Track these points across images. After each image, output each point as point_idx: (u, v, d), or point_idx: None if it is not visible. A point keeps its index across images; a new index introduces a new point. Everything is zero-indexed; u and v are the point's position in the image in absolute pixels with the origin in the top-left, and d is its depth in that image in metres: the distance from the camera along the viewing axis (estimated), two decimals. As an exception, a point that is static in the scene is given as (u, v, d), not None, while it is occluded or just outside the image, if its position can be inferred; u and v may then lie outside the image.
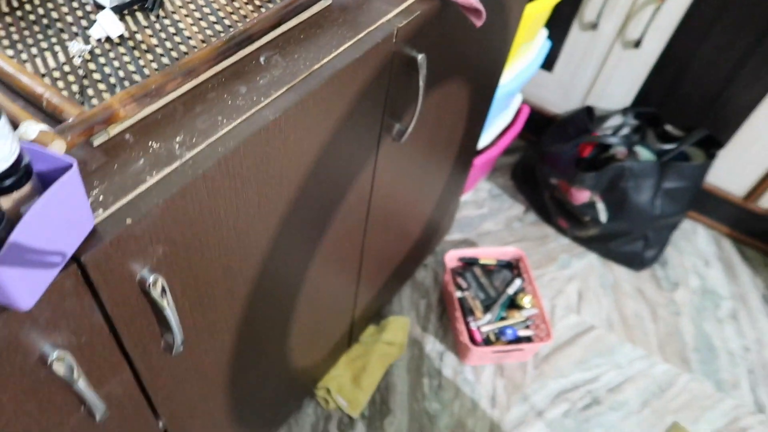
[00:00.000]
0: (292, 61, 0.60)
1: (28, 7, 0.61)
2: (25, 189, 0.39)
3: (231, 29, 0.61)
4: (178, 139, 0.52)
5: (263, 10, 0.63)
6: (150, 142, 0.52)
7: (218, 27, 0.61)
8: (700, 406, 1.40)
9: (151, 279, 0.52)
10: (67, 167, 0.40)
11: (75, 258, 0.45)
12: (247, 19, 0.62)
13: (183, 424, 0.80)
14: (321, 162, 0.70)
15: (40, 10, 0.60)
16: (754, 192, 1.56)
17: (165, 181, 0.50)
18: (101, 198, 0.48)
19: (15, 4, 0.61)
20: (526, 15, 1.17)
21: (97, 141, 0.51)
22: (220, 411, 0.88)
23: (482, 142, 1.50)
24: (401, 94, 0.79)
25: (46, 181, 0.40)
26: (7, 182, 0.37)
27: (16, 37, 0.57)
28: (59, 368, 0.48)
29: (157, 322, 0.59)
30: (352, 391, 1.34)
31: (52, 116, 0.50)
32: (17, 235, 0.36)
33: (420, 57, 0.73)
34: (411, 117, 0.82)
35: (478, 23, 0.71)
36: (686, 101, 1.51)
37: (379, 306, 1.41)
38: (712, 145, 1.51)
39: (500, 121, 1.55)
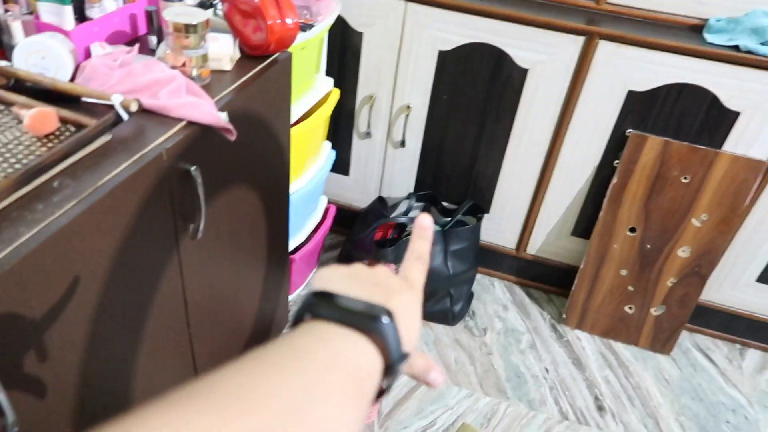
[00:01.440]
0: (80, 182, 0.81)
1: None
2: None
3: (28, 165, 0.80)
4: (-14, 247, 0.69)
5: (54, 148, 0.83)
6: (-37, 253, 0.68)
7: (18, 165, 0.80)
8: (519, 426, 1.64)
9: (-30, 359, 0.66)
10: None
11: None
12: (41, 157, 0.82)
13: None
14: (122, 258, 0.88)
15: None
16: (521, 244, 1.96)
17: (-24, 277, 0.66)
18: None
19: None
20: (300, 135, 1.48)
21: None
22: None
23: (297, 240, 1.75)
24: (188, 199, 1.01)
25: None
26: None
27: None
28: None
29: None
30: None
31: None
32: None
33: (193, 169, 0.97)
34: (200, 217, 1.04)
35: (231, 138, 0.97)
36: (451, 181, 1.90)
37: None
38: (480, 211, 1.90)
39: (311, 221, 1.83)
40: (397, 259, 1.78)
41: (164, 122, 0.96)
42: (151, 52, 1.11)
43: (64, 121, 0.89)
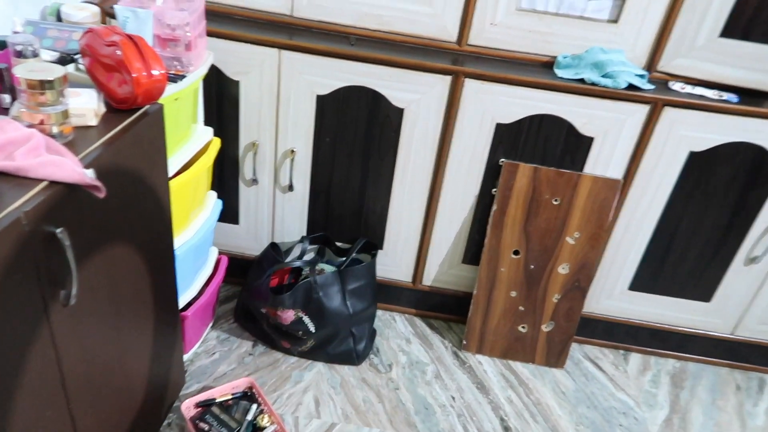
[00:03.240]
0: None
1: None
2: None
3: None
4: None
5: None
6: None
7: None
8: (430, 457, 1.65)
9: None
10: None
11: None
12: None
13: None
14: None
15: None
16: (416, 276, 2.01)
17: None
18: None
19: None
20: (181, 187, 1.45)
21: None
22: None
23: (189, 296, 1.68)
24: (57, 263, 0.95)
25: None
26: None
27: None
28: None
29: None
30: None
31: None
32: None
33: (59, 231, 0.92)
34: (71, 282, 0.98)
35: (101, 195, 0.93)
36: (342, 221, 1.93)
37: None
38: (373, 248, 1.93)
39: (203, 274, 1.76)
40: (294, 305, 1.75)
41: (22, 184, 0.90)
42: (4, 111, 1.05)
43: None
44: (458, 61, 1.65)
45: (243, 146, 1.81)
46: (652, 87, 1.60)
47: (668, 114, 1.60)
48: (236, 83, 1.71)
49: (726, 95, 1.61)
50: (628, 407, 1.88)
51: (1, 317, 0.84)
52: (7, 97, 1.05)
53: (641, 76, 1.60)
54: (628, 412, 1.86)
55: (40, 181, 0.91)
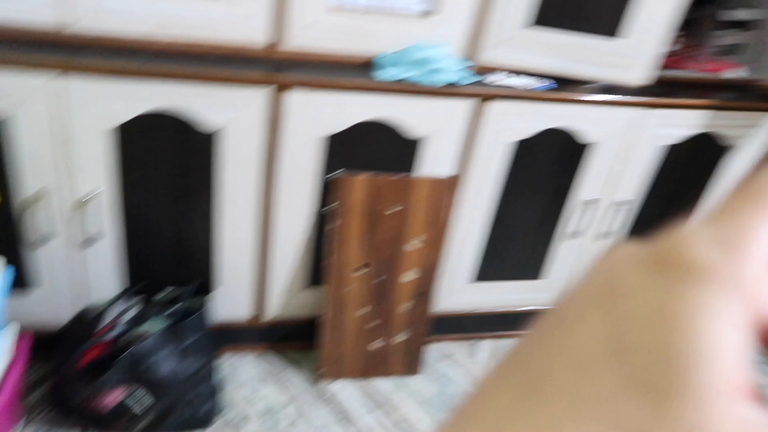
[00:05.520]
0: None
1: None
2: None
3: None
4: None
5: None
6: None
7: None
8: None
9: None
10: None
11: None
12: None
13: None
14: None
15: None
16: (259, 310, 1.83)
17: None
18: None
19: None
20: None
21: None
22: None
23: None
24: None
25: None
26: None
27: None
28: None
29: None
30: None
31: None
32: None
33: None
34: None
35: None
36: (165, 266, 1.67)
37: None
38: (205, 291, 1.70)
39: (-8, 365, 1.39)
40: (122, 381, 1.46)
41: None
42: None
43: None
44: (279, 67, 1.49)
45: (25, 199, 1.46)
46: (474, 80, 1.60)
47: (491, 107, 1.63)
48: (1, 123, 1.36)
49: (547, 82, 1.68)
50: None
51: None
52: None
53: (463, 70, 1.59)
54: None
55: None
